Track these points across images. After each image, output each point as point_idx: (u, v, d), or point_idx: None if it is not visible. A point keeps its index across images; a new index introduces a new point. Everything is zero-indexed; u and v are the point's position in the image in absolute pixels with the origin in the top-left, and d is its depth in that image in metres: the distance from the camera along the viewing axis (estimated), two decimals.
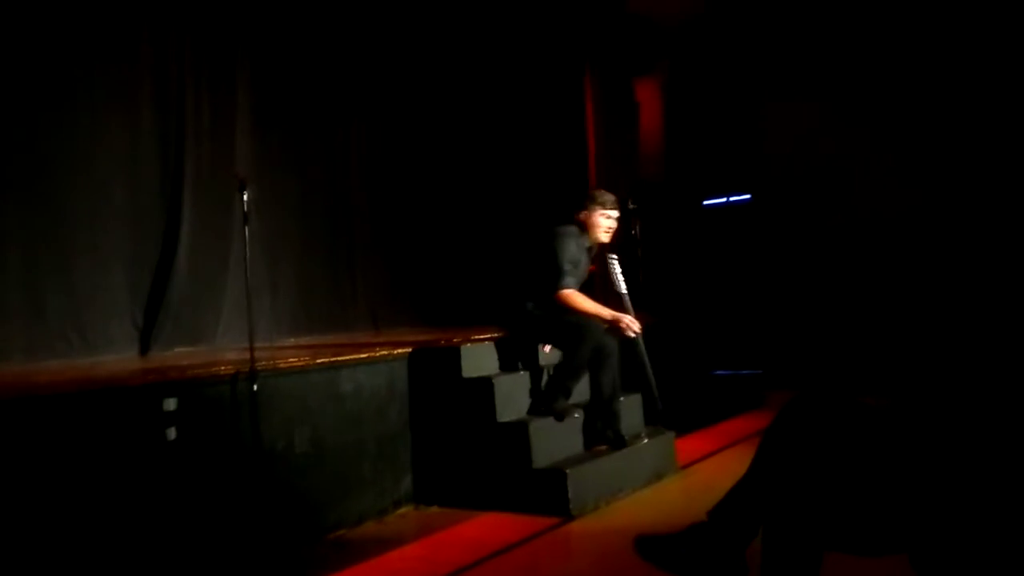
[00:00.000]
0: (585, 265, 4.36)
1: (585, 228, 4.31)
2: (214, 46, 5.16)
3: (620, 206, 4.38)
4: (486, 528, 3.82)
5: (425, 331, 5.72)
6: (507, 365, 4.50)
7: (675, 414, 4.74)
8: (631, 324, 4.18)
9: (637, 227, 7.00)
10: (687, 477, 4.20)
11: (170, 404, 3.23)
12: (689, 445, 5.02)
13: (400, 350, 4.30)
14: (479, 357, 4.36)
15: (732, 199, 8.34)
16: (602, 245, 4.39)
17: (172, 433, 3.23)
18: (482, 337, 4.54)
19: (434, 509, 4.18)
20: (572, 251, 4.20)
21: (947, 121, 6.76)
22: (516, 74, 7.40)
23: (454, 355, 4.25)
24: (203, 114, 5.08)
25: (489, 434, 4.12)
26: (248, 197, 3.64)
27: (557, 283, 4.14)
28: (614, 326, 4.17)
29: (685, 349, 6.81)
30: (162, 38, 4.89)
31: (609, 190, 4.47)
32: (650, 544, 2.68)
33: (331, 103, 5.98)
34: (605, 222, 4.28)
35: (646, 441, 4.45)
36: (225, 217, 5.03)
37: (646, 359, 4.35)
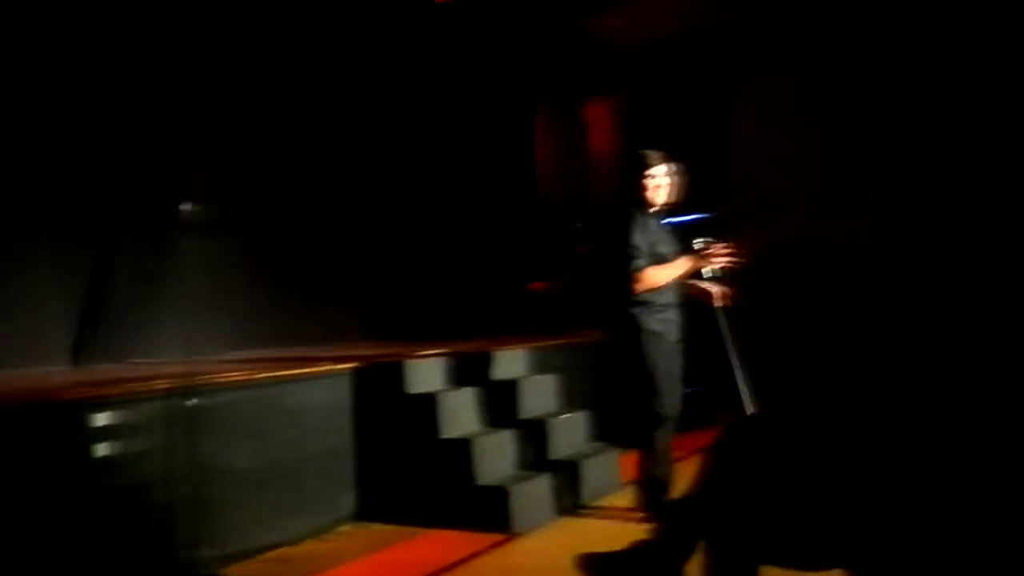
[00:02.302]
0: (668, 244, 3.99)
1: (642, 199, 3.98)
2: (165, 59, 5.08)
3: (666, 159, 3.98)
4: (428, 546, 3.78)
5: (374, 346, 5.67)
6: (452, 380, 4.48)
7: (621, 430, 4.75)
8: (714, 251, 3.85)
9: (586, 247, 7.05)
10: (631, 494, 4.20)
11: (102, 420, 3.14)
12: (634, 462, 5.03)
13: (344, 365, 4.25)
14: (423, 373, 4.34)
15: (687, 218, 8.42)
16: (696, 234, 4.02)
17: (103, 450, 3.13)
18: (427, 353, 4.51)
19: (377, 527, 4.13)
20: (638, 234, 3.87)
21: (905, 148, 6.98)
22: (470, 94, 7.43)
23: (397, 371, 4.21)
24: (148, 120, 4.98)
25: (432, 451, 4.10)
26: (191, 207, 3.57)
27: (630, 268, 3.82)
28: (696, 284, 3.91)
29: (633, 365, 6.85)
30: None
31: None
32: (592, 562, 2.68)
33: (281, 119, 5.92)
34: (651, 182, 3.94)
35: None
36: (167, 226, 4.92)
37: (728, 337, 3.94)
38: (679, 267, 3.91)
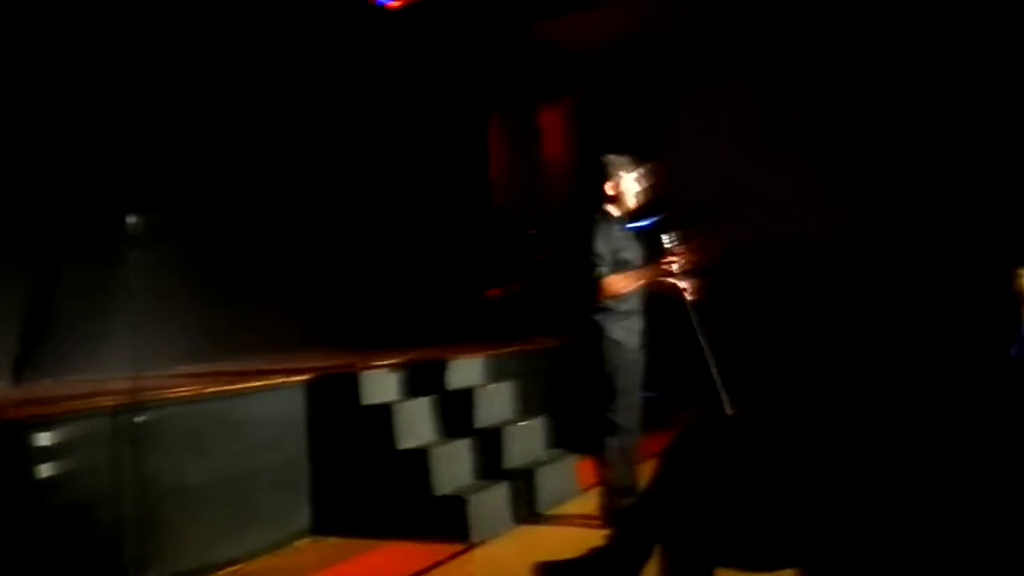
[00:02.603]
0: (632, 250, 4.00)
1: (609, 204, 3.98)
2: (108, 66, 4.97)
3: (634, 164, 3.99)
4: (386, 558, 3.76)
5: (328, 356, 5.60)
6: (408, 390, 4.45)
7: (578, 436, 4.75)
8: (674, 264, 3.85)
9: (542, 253, 7.06)
10: (588, 500, 4.21)
11: (46, 439, 3.04)
12: (591, 467, 5.05)
13: (298, 377, 4.19)
14: (379, 383, 4.30)
15: (648, 222, 8.50)
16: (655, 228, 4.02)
17: (48, 470, 3.04)
18: (383, 363, 4.47)
19: (333, 540, 4.08)
20: (600, 241, 3.86)
21: (850, 155, 7.15)
22: (421, 100, 7.40)
23: (352, 382, 4.17)
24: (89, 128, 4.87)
25: (388, 462, 4.07)
26: (136, 217, 3.50)
27: (592, 275, 3.81)
28: (664, 281, 3.89)
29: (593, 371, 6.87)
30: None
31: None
32: (550, 570, 2.67)
33: (228, 126, 5.83)
34: (621, 186, 3.95)
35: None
36: (111, 238, 4.81)
37: (702, 331, 3.92)
38: (640, 277, 3.90)
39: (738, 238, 7.31)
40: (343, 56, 6.73)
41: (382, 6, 7.07)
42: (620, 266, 3.89)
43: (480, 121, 8.15)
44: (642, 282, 3.92)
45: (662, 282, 3.94)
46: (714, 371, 3.87)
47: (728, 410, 3.87)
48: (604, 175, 3.98)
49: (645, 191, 4.05)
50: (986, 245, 6.16)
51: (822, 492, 2.00)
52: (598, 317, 3.89)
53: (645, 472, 3.88)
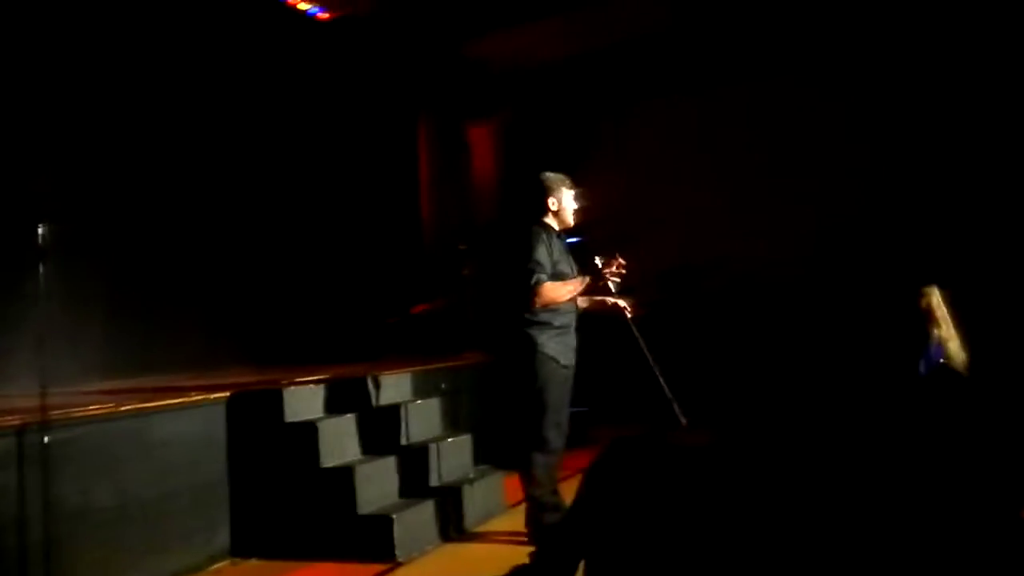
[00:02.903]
0: (568, 264, 4.02)
1: (555, 217, 4.02)
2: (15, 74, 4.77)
3: (572, 182, 4.07)
4: None
5: (251, 372, 5.48)
6: (333, 407, 4.38)
7: (506, 453, 4.74)
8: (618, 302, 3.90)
9: (470, 269, 7.06)
10: (515, 516, 4.21)
11: None
12: (517, 484, 5.04)
13: (218, 394, 4.08)
14: (302, 400, 4.22)
15: (579, 239, 8.59)
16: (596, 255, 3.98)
17: None
18: (307, 379, 4.39)
19: (253, 562, 3.98)
20: (541, 251, 3.86)
21: (778, 175, 7.37)
22: (351, 115, 7.35)
23: (275, 399, 4.08)
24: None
25: (312, 480, 3.99)
26: (45, 228, 3.36)
27: (531, 282, 3.79)
28: (605, 301, 3.90)
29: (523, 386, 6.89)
30: None
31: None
32: None
33: (145, 136, 5.67)
34: (561, 202, 4.00)
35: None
36: (18, 249, 4.61)
37: (644, 347, 3.89)
38: (577, 284, 3.91)
39: (673, 255, 7.48)
40: (270, 69, 6.64)
41: (312, 17, 7.01)
42: (557, 278, 3.91)
43: (409, 136, 8.14)
44: (579, 291, 3.93)
45: (602, 302, 3.98)
46: (663, 385, 3.88)
47: (682, 422, 3.87)
48: (544, 190, 4.02)
49: (581, 209, 4.11)
50: (895, 263, 6.43)
51: (737, 513, 2.03)
52: (532, 331, 3.90)
53: (571, 488, 3.90)
